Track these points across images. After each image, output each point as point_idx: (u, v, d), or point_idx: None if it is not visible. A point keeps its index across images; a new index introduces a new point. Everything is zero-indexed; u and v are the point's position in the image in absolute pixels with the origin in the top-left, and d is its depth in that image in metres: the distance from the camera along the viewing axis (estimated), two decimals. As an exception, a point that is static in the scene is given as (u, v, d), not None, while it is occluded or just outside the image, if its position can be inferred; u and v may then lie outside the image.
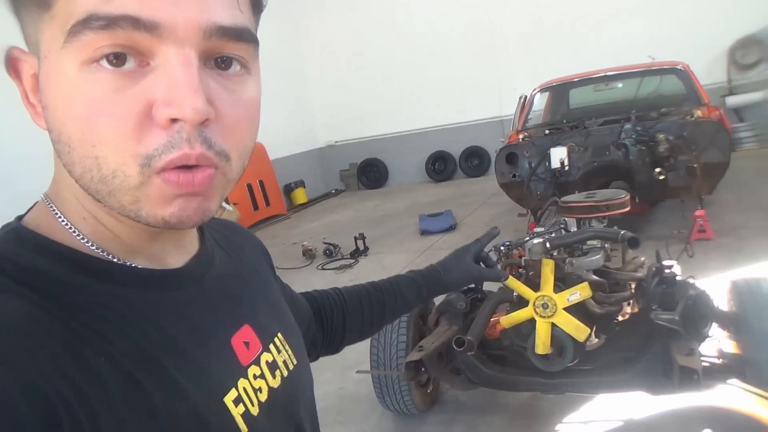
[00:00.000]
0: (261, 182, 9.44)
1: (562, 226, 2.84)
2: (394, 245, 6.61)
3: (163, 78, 0.49)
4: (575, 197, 2.84)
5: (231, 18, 0.52)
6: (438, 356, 2.54)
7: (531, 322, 2.41)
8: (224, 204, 8.40)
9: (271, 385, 0.67)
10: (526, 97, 6.18)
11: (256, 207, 9.22)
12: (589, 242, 2.71)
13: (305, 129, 11.31)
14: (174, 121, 0.49)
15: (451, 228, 6.82)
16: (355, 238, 6.42)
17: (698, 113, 4.97)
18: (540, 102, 6.54)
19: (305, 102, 11.54)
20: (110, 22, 0.47)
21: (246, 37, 0.54)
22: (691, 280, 2.78)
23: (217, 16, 0.51)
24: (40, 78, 0.53)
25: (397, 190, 10.79)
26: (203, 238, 0.70)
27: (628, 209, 2.78)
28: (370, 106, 10.94)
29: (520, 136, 5.52)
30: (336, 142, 11.74)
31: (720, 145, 4.58)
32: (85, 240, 0.57)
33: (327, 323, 1.04)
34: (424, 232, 6.85)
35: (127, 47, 0.48)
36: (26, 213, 0.60)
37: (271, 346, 0.70)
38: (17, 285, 0.50)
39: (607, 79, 5.87)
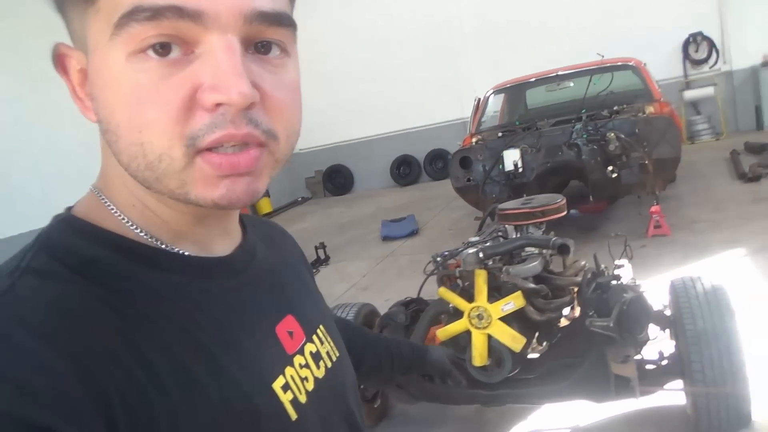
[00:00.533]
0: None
1: (500, 234, 2.79)
2: (356, 253, 6.54)
3: (208, 64, 0.50)
4: (511, 204, 2.79)
5: (270, 3, 0.53)
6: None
7: (468, 334, 2.35)
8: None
9: (316, 375, 0.68)
10: (480, 99, 6.16)
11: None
12: (527, 249, 2.66)
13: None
14: (219, 105, 0.50)
15: (413, 233, 6.77)
16: (316, 248, 6.33)
17: (650, 110, 4.98)
18: (496, 104, 6.53)
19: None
20: (156, 13, 0.48)
21: (285, 21, 0.55)
22: (634, 282, 2.76)
23: (257, 2, 0.52)
24: (88, 71, 0.54)
25: (362, 196, 10.72)
26: (245, 230, 0.71)
27: (564, 214, 2.74)
28: (333, 112, 10.86)
29: (474, 140, 5.49)
30: (300, 149, 11.63)
31: (671, 141, 4.60)
32: (135, 227, 0.58)
33: (356, 351, 1.05)
34: (386, 238, 6.79)
35: (172, 36, 0.49)
36: (76, 204, 0.61)
37: (314, 337, 0.71)
38: (71, 273, 0.51)
39: (560, 79, 5.86)
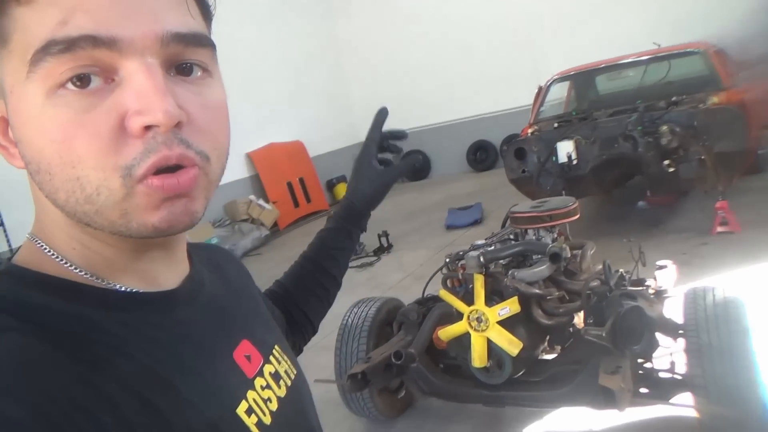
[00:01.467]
0: (301, 179, 9.68)
1: (511, 236, 2.83)
2: (418, 242, 6.66)
3: (130, 89, 0.50)
4: (522, 207, 2.81)
5: (184, 24, 0.53)
6: (386, 367, 2.61)
7: (470, 335, 2.44)
8: (263, 203, 8.69)
9: (278, 394, 0.69)
10: (541, 87, 6.05)
11: (296, 204, 9.48)
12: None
13: (346, 125, 11.45)
14: (148, 128, 0.50)
15: (476, 222, 6.79)
16: (378, 236, 6.50)
17: (714, 99, 4.72)
18: (560, 92, 6.39)
19: (345, 97, 11.69)
20: (70, 44, 0.48)
21: (203, 41, 0.55)
22: (658, 288, 2.72)
23: (170, 25, 0.52)
24: (9, 115, 0.53)
25: (438, 182, 10.77)
26: (192, 260, 0.70)
27: (576, 217, 2.73)
28: (409, 98, 10.93)
29: (530, 130, 5.43)
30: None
31: (736, 133, 4.35)
32: (78, 269, 0.57)
33: (290, 318, 1.03)
34: (450, 227, 6.86)
35: (89, 67, 0.49)
36: (16, 255, 0.60)
37: (272, 358, 0.72)
38: (21, 323, 0.50)
39: (621, 67, 5.64)
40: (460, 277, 2.54)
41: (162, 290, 0.62)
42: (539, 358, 2.63)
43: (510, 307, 2.33)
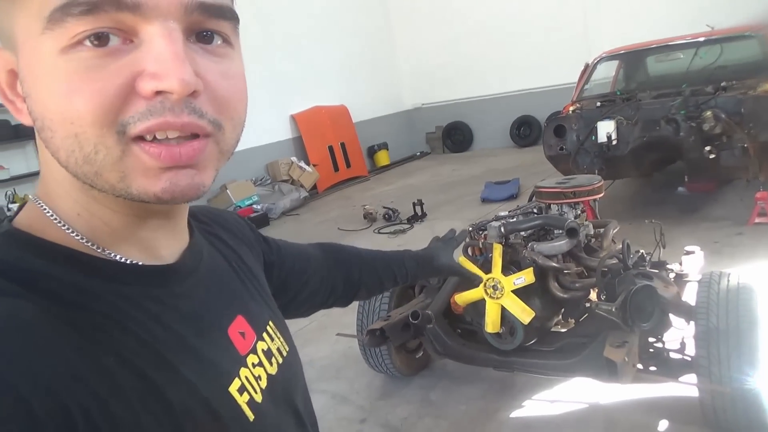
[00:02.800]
0: (342, 144, 9.79)
1: (535, 210, 2.88)
2: (452, 213, 6.72)
3: (149, 52, 0.48)
4: (548, 183, 2.86)
5: None
6: (405, 326, 2.73)
7: (485, 302, 2.53)
8: (304, 165, 8.85)
9: (269, 372, 0.68)
10: (587, 65, 5.97)
11: (336, 168, 9.61)
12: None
13: (392, 92, 11.47)
14: (159, 93, 0.48)
15: (512, 197, 6.81)
16: (414, 204, 6.59)
17: (766, 86, 4.60)
18: (607, 71, 6.28)
19: (392, 66, 11.68)
20: (93, 7, 0.46)
21: (227, 14, 0.54)
22: (679, 272, 2.75)
23: None
24: (19, 68, 0.51)
25: (479, 155, 10.75)
26: (192, 230, 0.69)
27: (601, 195, 2.76)
28: (456, 70, 10.90)
29: (572, 108, 5.39)
30: (423, 104, 11.82)
31: (779, 123, 4.25)
32: (81, 237, 0.55)
33: (346, 273, 1.11)
34: (485, 200, 6.89)
35: (109, 28, 0.48)
36: (15, 214, 0.59)
37: (265, 335, 0.71)
38: (21, 288, 0.49)
39: (670, 49, 5.52)
40: (481, 245, 2.61)
41: (163, 264, 0.61)
42: (552, 329, 2.71)
43: (525, 277, 2.40)
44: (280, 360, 0.72)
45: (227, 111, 0.54)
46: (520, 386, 2.98)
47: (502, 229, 2.54)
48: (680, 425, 2.50)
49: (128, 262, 0.57)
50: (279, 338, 0.74)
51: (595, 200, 3.07)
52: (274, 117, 8.88)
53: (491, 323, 2.49)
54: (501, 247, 2.46)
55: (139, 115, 0.49)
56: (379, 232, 6.34)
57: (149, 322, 0.55)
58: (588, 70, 5.92)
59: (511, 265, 2.57)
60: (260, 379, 0.66)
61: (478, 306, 2.57)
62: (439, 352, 2.79)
